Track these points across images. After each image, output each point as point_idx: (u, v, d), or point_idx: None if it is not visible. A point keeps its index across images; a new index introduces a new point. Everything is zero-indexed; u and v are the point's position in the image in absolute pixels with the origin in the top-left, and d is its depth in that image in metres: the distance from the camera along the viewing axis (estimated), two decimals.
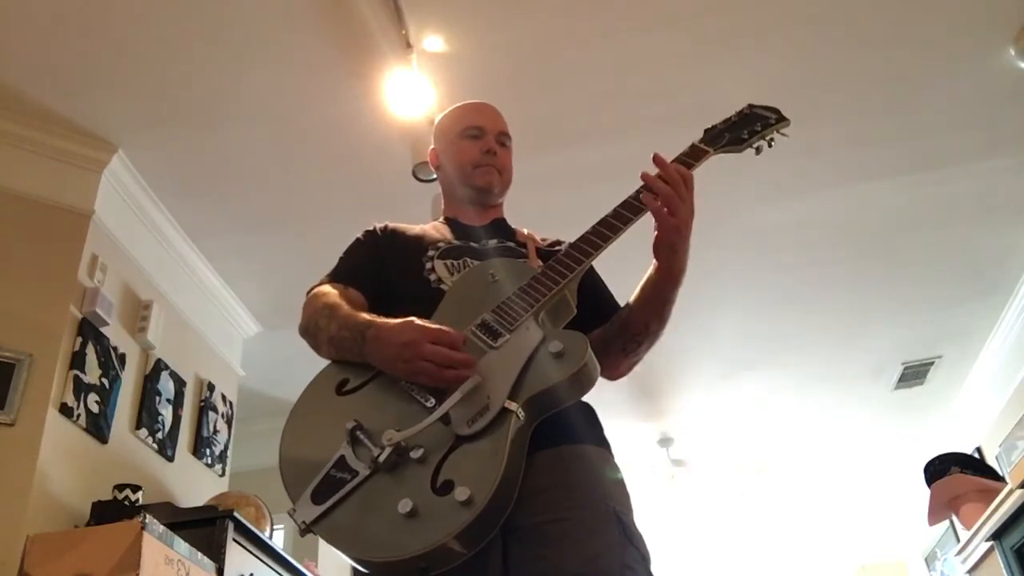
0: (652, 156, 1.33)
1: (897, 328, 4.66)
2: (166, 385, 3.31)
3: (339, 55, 2.80)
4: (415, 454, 1.13)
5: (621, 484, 1.32)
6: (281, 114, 3.02)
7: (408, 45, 2.73)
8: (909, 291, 4.34)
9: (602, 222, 1.35)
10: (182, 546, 2.39)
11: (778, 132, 1.46)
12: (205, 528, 2.65)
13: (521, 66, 2.94)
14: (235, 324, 4.04)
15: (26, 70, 2.75)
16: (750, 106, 1.49)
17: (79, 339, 2.79)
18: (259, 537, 2.91)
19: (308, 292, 1.50)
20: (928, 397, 5.42)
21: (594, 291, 1.51)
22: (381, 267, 1.51)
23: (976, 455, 5.07)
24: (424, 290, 1.42)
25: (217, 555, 2.59)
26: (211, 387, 3.69)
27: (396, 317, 1.33)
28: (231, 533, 2.69)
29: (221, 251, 3.67)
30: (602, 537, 1.20)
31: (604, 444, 1.38)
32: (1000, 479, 3.87)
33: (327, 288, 1.47)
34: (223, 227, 3.53)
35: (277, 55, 2.80)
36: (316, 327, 1.38)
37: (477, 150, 1.60)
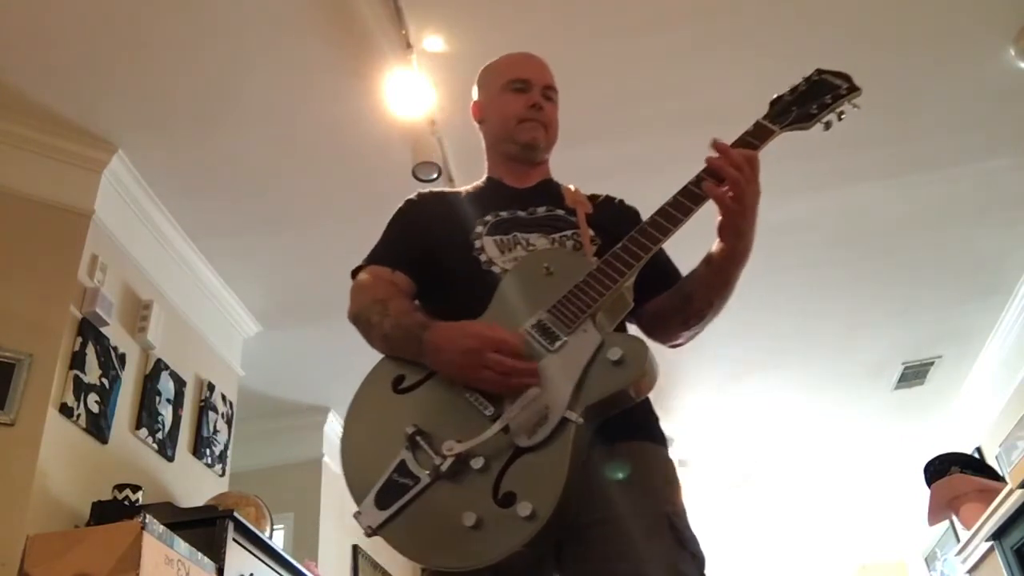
0: (711, 142, 1.26)
1: (897, 328, 4.66)
2: (166, 385, 3.31)
3: (339, 55, 2.80)
4: (476, 464, 1.14)
5: (673, 483, 1.30)
6: (281, 114, 3.02)
7: (408, 45, 2.73)
8: (909, 291, 4.34)
9: (661, 212, 1.28)
10: (182, 546, 2.39)
11: (850, 103, 1.36)
12: (205, 528, 2.65)
13: None
14: (235, 324, 4.04)
15: (26, 70, 2.75)
16: (819, 71, 1.40)
17: (79, 339, 2.79)
18: (259, 537, 2.91)
19: (353, 274, 1.46)
20: (928, 397, 5.42)
21: (654, 262, 1.40)
22: (425, 242, 1.45)
23: (976, 455, 5.07)
24: (474, 271, 1.37)
25: (217, 555, 2.59)
26: (211, 387, 3.69)
27: (446, 300, 1.33)
28: (231, 533, 2.69)
29: (221, 251, 3.67)
30: (653, 542, 1.18)
31: (659, 439, 1.35)
32: (1000, 479, 3.87)
33: (374, 275, 1.42)
34: (223, 227, 3.53)
35: (277, 55, 2.80)
36: (368, 322, 1.35)
37: (522, 104, 1.52)
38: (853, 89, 1.37)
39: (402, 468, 1.16)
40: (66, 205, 2.93)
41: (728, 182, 1.24)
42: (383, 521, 1.15)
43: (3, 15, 2.57)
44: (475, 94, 1.65)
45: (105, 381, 2.89)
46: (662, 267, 1.46)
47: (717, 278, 1.35)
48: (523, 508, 1.07)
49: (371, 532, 1.15)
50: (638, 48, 2.89)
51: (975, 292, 4.38)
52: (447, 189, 1.57)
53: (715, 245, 1.33)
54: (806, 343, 4.76)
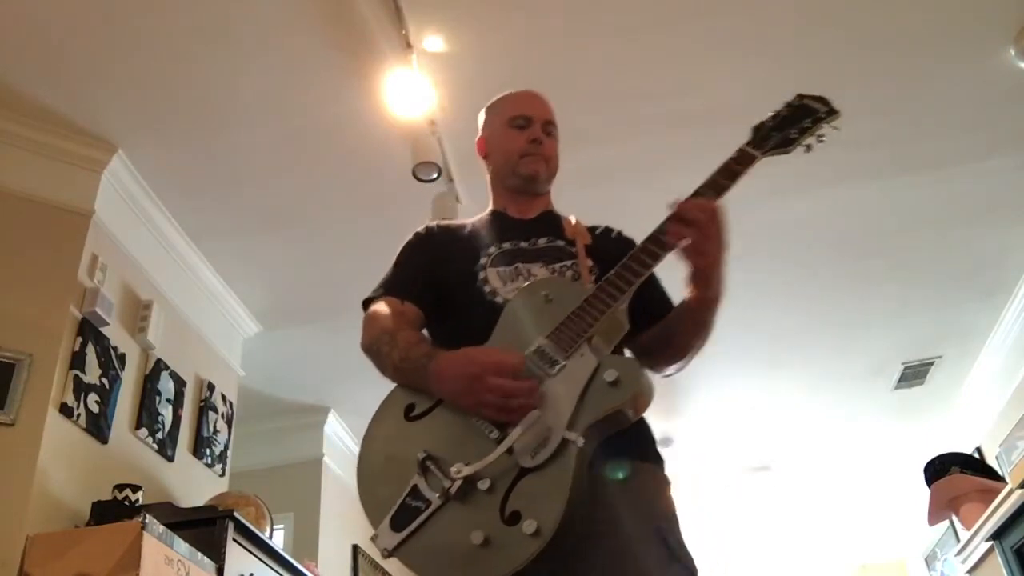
0: (669, 203, 1.31)
1: (897, 328, 4.65)
2: (166, 385, 3.31)
3: (339, 55, 2.80)
4: (483, 485, 1.19)
5: (666, 500, 1.37)
6: (281, 114, 3.02)
7: (408, 45, 2.73)
8: (909, 291, 4.34)
9: (641, 246, 1.35)
10: (182, 546, 2.39)
11: (829, 126, 1.41)
12: (205, 528, 2.65)
13: (521, 66, 2.94)
14: (235, 324, 4.04)
15: (26, 70, 2.75)
16: (799, 96, 1.45)
17: (79, 339, 2.79)
18: (259, 537, 2.91)
19: (364, 304, 1.53)
20: (928, 397, 5.42)
21: (649, 292, 1.51)
22: (434, 274, 1.53)
23: (976, 455, 5.07)
24: (479, 302, 1.45)
25: (217, 555, 2.58)
26: (211, 387, 3.69)
27: (453, 330, 1.39)
28: (231, 533, 2.69)
29: (221, 251, 3.67)
30: (646, 555, 1.24)
31: (653, 459, 1.41)
32: (1000, 479, 3.86)
33: (384, 306, 1.49)
34: (223, 227, 3.53)
35: (277, 55, 2.80)
36: (379, 353, 1.42)
37: (523, 139, 1.61)
38: (832, 112, 1.41)
39: (415, 492, 1.22)
40: (66, 205, 2.93)
41: (688, 238, 1.29)
42: (398, 543, 1.21)
43: (3, 15, 2.57)
44: (479, 131, 1.73)
45: (105, 381, 2.89)
46: (658, 299, 1.53)
47: (692, 323, 1.41)
48: (528, 526, 1.12)
49: (388, 554, 1.22)
50: (638, 48, 2.89)
51: (975, 292, 4.38)
52: (454, 222, 1.66)
53: (687, 292, 1.38)
54: (806, 343, 4.75)
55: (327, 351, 4.35)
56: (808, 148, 1.41)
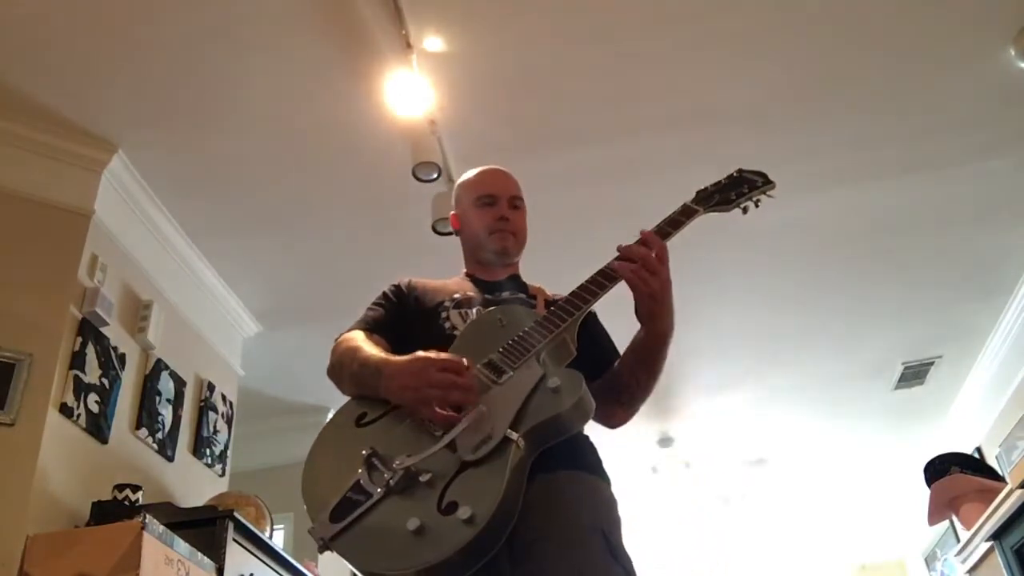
0: (641, 231, 1.43)
1: (897, 328, 4.65)
2: (166, 385, 3.31)
3: (339, 55, 2.80)
4: (423, 478, 1.23)
5: (611, 507, 1.43)
6: (281, 114, 3.02)
7: (408, 45, 2.73)
8: (909, 291, 4.34)
9: (592, 279, 1.46)
10: (182, 546, 2.39)
11: (764, 194, 1.59)
12: (205, 528, 2.65)
13: (521, 66, 2.94)
14: (235, 324, 4.04)
15: (26, 70, 2.75)
16: (739, 170, 1.63)
17: (79, 339, 2.79)
18: (259, 537, 2.91)
19: (336, 339, 1.64)
20: (928, 397, 5.42)
21: (595, 341, 1.62)
22: (403, 320, 1.65)
23: (976, 455, 5.07)
24: (440, 335, 1.56)
25: (217, 555, 2.59)
26: (211, 387, 3.69)
27: None
28: (231, 533, 2.69)
29: (221, 251, 3.67)
30: (587, 554, 1.31)
31: (599, 472, 1.48)
32: (1000, 479, 3.86)
33: (353, 334, 1.61)
34: (223, 227, 3.53)
35: (277, 55, 2.80)
36: (340, 367, 1.53)
37: (491, 217, 1.73)
38: (767, 183, 1.62)
39: (357, 486, 1.26)
40: (66, 205, 2.93)
41: (633, 270, 1.42)
42: (335, 533, 1.22)
43: (3, 15, 2.57)
44: (453, 207, 1.86)
45: (105, 381, 2.89)
46: (600, 347, 1.65)
47: (640, 358, 1.53)
48: (463, 512, 1.16)
49: (323, 544, 1.23)
50: (637, 48, 2.89)
51: (975, 292, 4.38)
52: (428, 279, 1.77)
53: (639, 329, 1.50)
54: (806, 343, 4.75)
55: (327, 351, 4.34)
56: (745, 211, 1.60)
